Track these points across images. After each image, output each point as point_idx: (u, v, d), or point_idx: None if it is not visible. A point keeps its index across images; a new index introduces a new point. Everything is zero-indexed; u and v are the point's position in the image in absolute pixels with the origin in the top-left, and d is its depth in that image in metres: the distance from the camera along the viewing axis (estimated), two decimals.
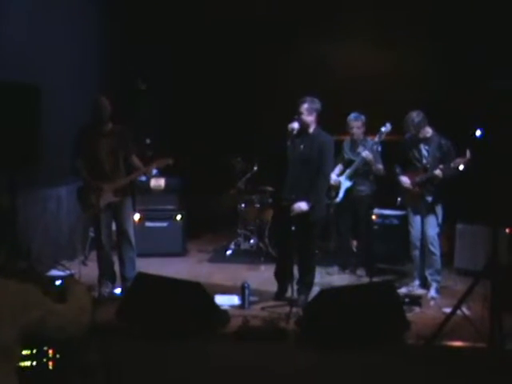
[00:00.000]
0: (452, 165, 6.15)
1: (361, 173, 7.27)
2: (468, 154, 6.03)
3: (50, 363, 3.35)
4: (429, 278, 6.58)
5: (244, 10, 9.52)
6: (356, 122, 7.26)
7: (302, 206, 5.99)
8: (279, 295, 6.41)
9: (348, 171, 7.26)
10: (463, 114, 7.75)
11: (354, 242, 7.85)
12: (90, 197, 6.23)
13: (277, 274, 6.51)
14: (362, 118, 7.29)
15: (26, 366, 3.28)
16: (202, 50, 9.82)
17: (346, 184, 7.23)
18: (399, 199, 6.73)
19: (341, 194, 7.23)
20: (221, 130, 9.75)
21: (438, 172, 6.24)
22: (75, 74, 7.93)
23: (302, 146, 6.11)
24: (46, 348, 3.35)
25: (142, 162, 6.50)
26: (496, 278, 4.96)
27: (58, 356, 3.36)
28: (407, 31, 9.00)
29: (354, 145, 7.33)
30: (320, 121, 6.22)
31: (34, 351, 3.32)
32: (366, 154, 7.09)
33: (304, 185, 6.07)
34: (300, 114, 6.09)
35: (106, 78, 8.71)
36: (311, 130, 6.16)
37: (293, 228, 5.95)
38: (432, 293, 6.50)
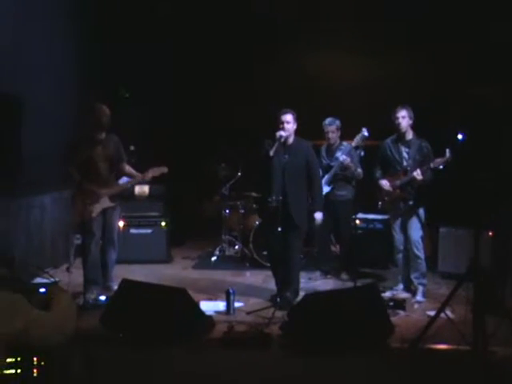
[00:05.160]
0: (432, 165, 6.20)
1: (340, 178, 7.31)
2: (448, 153, 6.07)
3: (35, 371, 3.34)
4: (415, 281, 6.60)
5: (221, 16, 9.60)
6: (331, 127, 7.33)
7: (318, 216, 6.36)
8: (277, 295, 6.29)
9: (326, 176, 7.29)
10: (446, 120, 7.83)
11: (337, 247, 7.89)
12: (86, 201, 6.26)
13: (274, 273, 6.52)
14: (337, 122, 7.35)
15: (11, 374, 3.27)
16: (185, 57, 9.83)
17: (324, 189, 7.25)
18: (380, 203, 6.76)
19: None
20: (205, 136, 9.75)
21: (417, 174, 6.29)
22: (56, 85, 7.89)
23: (286, 156, 6.18)
24: (30, 356, 3.33)
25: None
26: (479, 280, 5.00)
27: (42, 364, 3.35)
28: (388, 41, 9.09)
29: (331, 150, 7.37)
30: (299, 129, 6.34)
31: (19, 359, 3.30)
32: (343, 158, 7.13)
33: (291, 191, 6.18)
34: (287, 123, 6.17)
35: (88, 86, 8.67)
36: (291, 139, 6.27)
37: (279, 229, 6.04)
38: (418, 297, 6.52)
